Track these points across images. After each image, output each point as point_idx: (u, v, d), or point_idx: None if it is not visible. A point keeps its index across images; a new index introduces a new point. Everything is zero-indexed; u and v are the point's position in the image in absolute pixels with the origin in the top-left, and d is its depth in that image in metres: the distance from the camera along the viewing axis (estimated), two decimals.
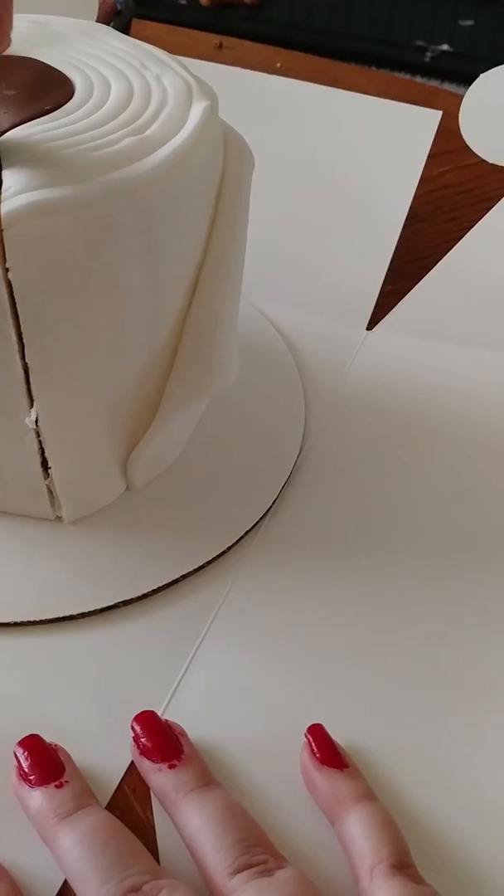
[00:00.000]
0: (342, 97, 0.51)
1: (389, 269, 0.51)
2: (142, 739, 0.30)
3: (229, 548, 0.37)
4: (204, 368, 0.36)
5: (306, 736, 0.31)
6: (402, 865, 0.27)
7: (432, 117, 0.50)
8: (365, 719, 0.33)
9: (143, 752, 0.30)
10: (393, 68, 1.77)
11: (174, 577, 0.36)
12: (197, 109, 0.32)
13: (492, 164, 0.53)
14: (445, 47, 1.93)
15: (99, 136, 0.30)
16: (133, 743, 0.30)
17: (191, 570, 0.36)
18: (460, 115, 0.48)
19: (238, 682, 0.34)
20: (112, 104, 0.32)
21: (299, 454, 0.41)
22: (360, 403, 0.44)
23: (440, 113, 0.49)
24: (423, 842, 0.30)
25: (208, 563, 0.36)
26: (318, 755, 0.30)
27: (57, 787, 0.28)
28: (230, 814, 0.28)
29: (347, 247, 0.51)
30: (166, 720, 0.31)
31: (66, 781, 0.29)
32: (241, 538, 0.37)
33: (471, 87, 0.48)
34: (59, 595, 0.35)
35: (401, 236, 0.52)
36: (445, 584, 0.37)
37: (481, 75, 0.49)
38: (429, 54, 1.93)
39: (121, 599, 0.35)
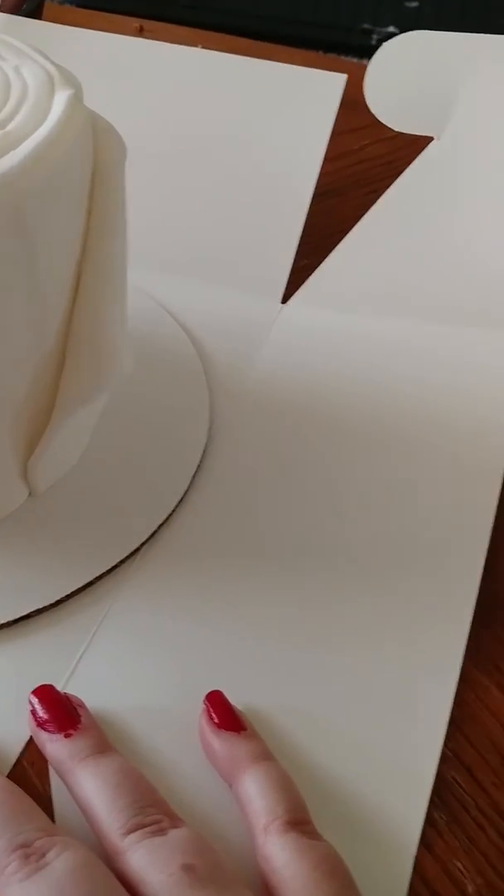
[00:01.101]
0: (247, 64, 0.50)
1: (306, 244, 0.51)
2: (39, 712, 0.30)
3: (122, 561, 0.37)
4: (93, 366, 0.35)
5: (205, 702, 0.31)
6: (297, 822, 0.28)
7: (338, 81, 0.49)
8: (263, 685, 0.33)
9: (40, 723, 0.30)
10: (340, 52, 1.76)
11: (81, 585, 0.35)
12: (60, 100, 0.31)
13: (411, 136, 0.53)
14: (392, 29, 1.93)
15: None
16: (31, 716, 0.30)
17: (80, 585, 0.36)
18: (365, 85, 0.48)
19: (139, 656, 0.34)
20: None
21: (204, 451, 0.41)
22: (271, 392, 0.44)
23: (345, 76, 0.49)
24: (322, 800, 0.30)
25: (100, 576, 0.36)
26: (215, 720, 0.31)
27: None
28: (125, 777, 0.28)
29: (256, 220, 0.50)
30: (65, 693, 0.31)
31: None
32: (137, 549, 0.37)
33: (374, 56, 0.48)
34: None
35: (317, 210, 0.52)
36: (346, 577, 0.37)
37: (384, 44, 0.49)
38: (375, 37, 1.93)
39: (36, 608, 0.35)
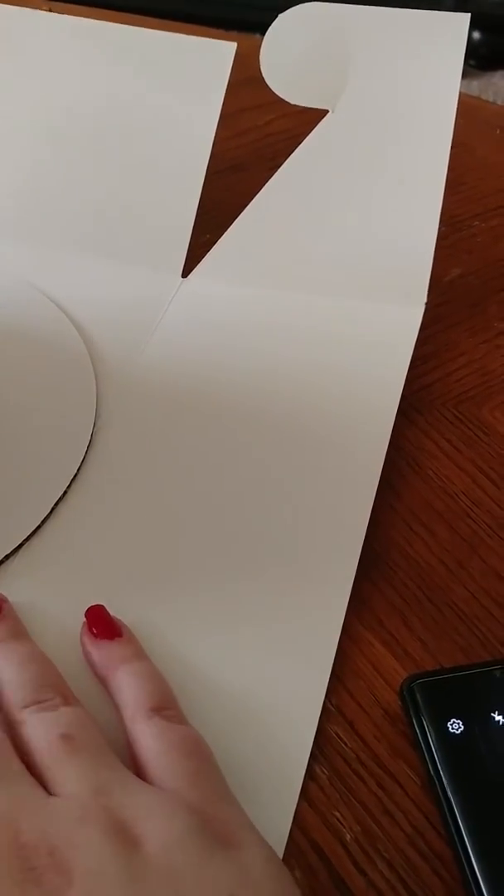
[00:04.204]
0: (136, 34, 0.50)
1: (210, 219, 0.51)
2: None
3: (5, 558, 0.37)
4: None
5: (85, 615, 0.34)
6: (161, 708, 0.30)
7: (228, 50, 0.49)
8: (143, 597, 0.35)
9: None
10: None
11: None
12: None
13: (317, 111, 0.53)
14: None
15: None
16: None
17: None
18: (261, 57, 0.49)
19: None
20: None
21: (91, 437, 0.41)
22: (163, 371, 0.44)
23: (234, 44, 0.49)
24: (192, 695, 0.32)
25: None
26: (93, 630, 0.33)
27: None
28: (31, 661, 0.32)
29: (151, 194, 0.50)
30: None
31: None
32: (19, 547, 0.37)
33: (270, 28, 0.49)
34: None
35: (222, 186, 0.53)
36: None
37: (280, 15, 0.49)
38: None
39: None
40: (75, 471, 0.39)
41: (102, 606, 0.34)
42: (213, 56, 0.49)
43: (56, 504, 0.38)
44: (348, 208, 0.49)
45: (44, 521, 0.38)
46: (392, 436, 0.42)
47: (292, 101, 0.50)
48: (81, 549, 0.37)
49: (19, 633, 0.33)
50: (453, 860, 0.29)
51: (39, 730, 0.29)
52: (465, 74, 2.06)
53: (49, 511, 0.38)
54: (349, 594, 0.36)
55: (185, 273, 0.49)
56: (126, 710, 0.31)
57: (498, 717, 0.31)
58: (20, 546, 0.37)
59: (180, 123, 0.49)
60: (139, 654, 0.33)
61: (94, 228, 0.50)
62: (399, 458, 0.41)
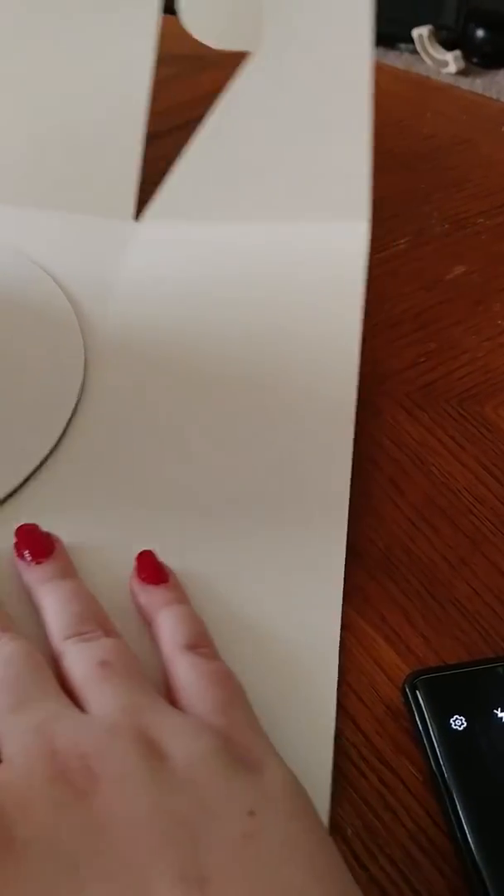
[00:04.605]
0: None
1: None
2: (21, 544, 0.35)
3: None
4: None
5: (135, 560, 0.35)
6: (196, 645, 0.32)
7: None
8: (190, 550, 0.37)
9: (19, 553, 0.35)
10: None
11: None
12: None
13: None
14: None
15: None
16: (14, 547, 0.35)
17: None
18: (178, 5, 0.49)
19: None
20: None
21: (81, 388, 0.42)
22: (136, 322, 0.45)
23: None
24: (230, 639, 0.34)
25: None
26: (141, 575, 0.35)
27: None
28: (76, 597, 0.33)
29: (93, 140, 0.51)
30: (46, 532, 0.36)
31: None
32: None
33: None
34: None
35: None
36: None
37: None
38: None
39: None
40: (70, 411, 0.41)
41: (151, 552, 0.35)
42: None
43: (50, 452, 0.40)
44: (284, 139, 0.50)
45: (47, 457, 0.39)
46: (395, 432, 0.42)
47: (215, 47, 0.50)
48: (81, 487, 0.39)
49: (68, 571, 0.35)
50: (455, 856, 0.29)
51: (79, 658, 0.31)
52: (468, 72, 2.07)
53: (49, 451, 0.39)
54: (346, 519, 0.38)
55: (138, 216, 0.50)
56: (164, 646, 0.32)
57: (500, 714, 0.31)
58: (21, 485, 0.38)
59: (116, 64, 0.49)
60: (181, 598, 0.34)
61: (38, 180, 0.50)
62: (402, 454, 0.41)
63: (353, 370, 0.43)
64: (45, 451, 0.39)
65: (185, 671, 0.31)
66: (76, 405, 0.41)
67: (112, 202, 0.49)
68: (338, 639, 0.34)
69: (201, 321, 0.46)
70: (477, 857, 0.28)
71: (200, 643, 0.33)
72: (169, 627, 0.33)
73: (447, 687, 0.32)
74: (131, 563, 0.35)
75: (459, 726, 0.31)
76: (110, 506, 0.38)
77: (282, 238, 0.50)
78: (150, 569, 0.35)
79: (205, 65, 0.61)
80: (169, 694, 0.31)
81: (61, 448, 0.40)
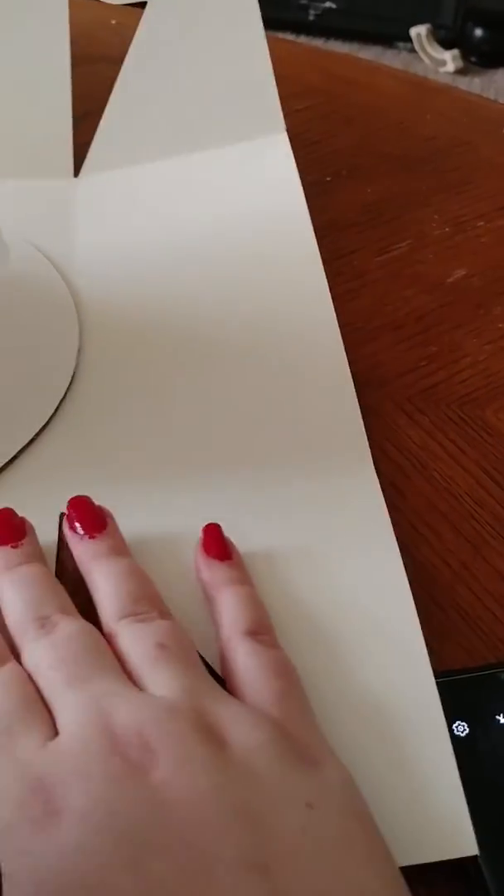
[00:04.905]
0: None
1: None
2: (73, 517, 0.35)
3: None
4: None
5: (202, 532, 0.35)
6: (256, 632, 0.32)
7: None
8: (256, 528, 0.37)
9: (72, 525, 0.35)
10: (276, 28, 1.76)
11: None
12: None
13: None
14: (329, 5, 1.93)
15: None
16: (65, 520, 0.35)
17: None
18: None
19: None
20: None
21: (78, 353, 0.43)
22: (99, 274, 0.47)
23: None
24: (292, 626, 0.34)
25: None
26: (206, 549, 0.35)
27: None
28: (130, 576, 0.33)
29: (17, 101, 0.53)
30: (100, 505, 0.35)
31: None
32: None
33: None
34: None
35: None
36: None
37: None
38: (312, 12, 1.93)
39: None
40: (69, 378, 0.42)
41: (218, 526, 0.35)
42: None
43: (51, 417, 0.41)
44: (193, 74, 0.53)
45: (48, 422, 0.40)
46: (396, 436, 0.42)
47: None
48: (82, 450, 0.40)
49: (120, 549, 0.34)
50: (458, 864, 0.29)
51: (135, 639, 0.30)
52: (466, 72, 2.06)
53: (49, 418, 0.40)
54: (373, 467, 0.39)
55: (76, 172, 0.52)
56: (223, 629, 0.32)
57: (503, 720, 0.31)
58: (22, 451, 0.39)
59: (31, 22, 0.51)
60: (244, 579, 0.34)
61: None
62: (403, 459, 0.41)
63: (325, 297, 0.46)
64: (43, 421, 0.40)
65: (244, 658, 0.31)
66: (73, 373, 0.42)
67: (51, 161, 0.52)
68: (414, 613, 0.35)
69: (169, 277, 0.48)
70: (481, 866, 0.28)
71: (261, 630, 0.32)
72: (230, 610, 0.33)
73: (449, 693, 0.32)
74: (138, 536, 0.35)
75: (462, 732, 0.31)
76: (110, 475, 0.39)
77: (214, 161, 0.54)
78: (216, 543, 0.35)
79: None
80: (225, 679, 0.31)
81: (58, 417, 0.41)
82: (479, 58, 2.08)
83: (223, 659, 0.32)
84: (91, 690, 0.28)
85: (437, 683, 0.33)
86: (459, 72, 2.09)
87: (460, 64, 2.10)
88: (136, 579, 0.33)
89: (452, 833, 0.29)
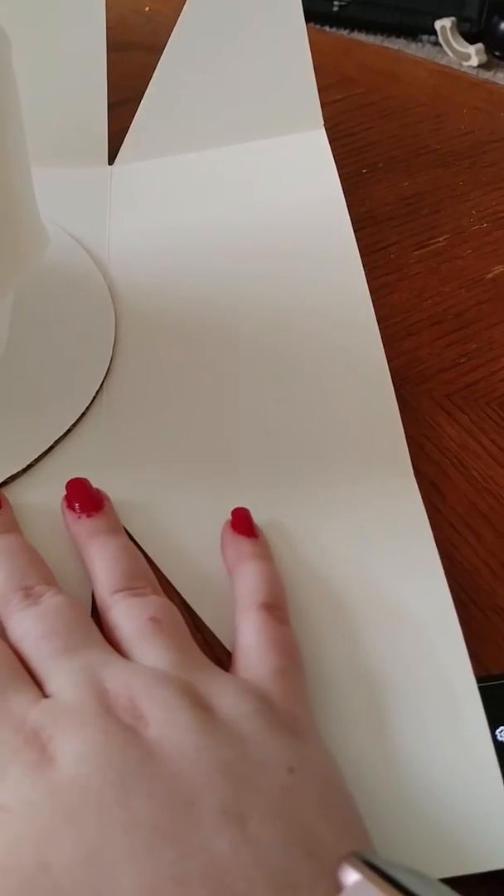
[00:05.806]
0: None
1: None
2: (72, 496, 0.36)
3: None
4: (11, 253, 0.35)
5: (231, 513, 0.36)
6: (269, 607, 0.32)
7: None
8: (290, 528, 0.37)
9: (69, 504, 0.35)
10: None
11: None
12: None
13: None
14: None
15: None
16: (63, 500, 0.36)
17: None
18: None
19: None
20: None
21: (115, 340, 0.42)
22: (131, 264, 0.47)
23: None
24: (329, 629, 0.34)
25: None
26: (234, 525, 0.35)
27: None
28: (124, 553, 0.34)
29: (55, 88, 0.52)
30: (97, 488, 0.36)
31: None
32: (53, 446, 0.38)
33: None
34: None
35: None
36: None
37: None
38: (336, 3, 1.91)
39: None
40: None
41: (247, 510, 0.36)
42: None
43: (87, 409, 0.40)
44: (233, 67, 0.53)
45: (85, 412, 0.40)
46: (435, 435, 0.41)
47: None
48: (120, 440, 0.39)
49: (115, 528, 0.35)
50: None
51: (128, 612, 0.31)
52: (490, 66, 2.04)
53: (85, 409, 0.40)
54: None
55: (112, 160, 0.52)
56: (240, 600, 0.33)
57: None
58: (55, 444, 0.38)
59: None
60: (266, 555, 0.35)
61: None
62: (443, 458, 0.40)
63: (363, 292, 0.46)
64: (83, 408, 0.40)
65: (251, 630, 0.31)
66: (109, 365, 0.42)
67: (87, 151, 0.52)
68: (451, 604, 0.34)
69: (204, 269, 0.47)
70: None
71: (275, 604, 0.32)
72: (249, 581, 0.33)
73: (491, 697, 0.32)
74: (172, 521, 0.36)
75: None
76: (144, 469, 0.38)
77: (252, 155, 0.53)
78: (244, 522, 0.35)
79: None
80: (232, 649, 0.31)
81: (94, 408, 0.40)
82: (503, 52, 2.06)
83: (235, 628, 0.32)
84: (82, 659, 0.29)
85: (479, 688, 0.32)
86: (483, 66, 2.07)
87: (484, 58, 2.08)
88: (131, 557, 0.34)
89: (496, 842, 0.28)
